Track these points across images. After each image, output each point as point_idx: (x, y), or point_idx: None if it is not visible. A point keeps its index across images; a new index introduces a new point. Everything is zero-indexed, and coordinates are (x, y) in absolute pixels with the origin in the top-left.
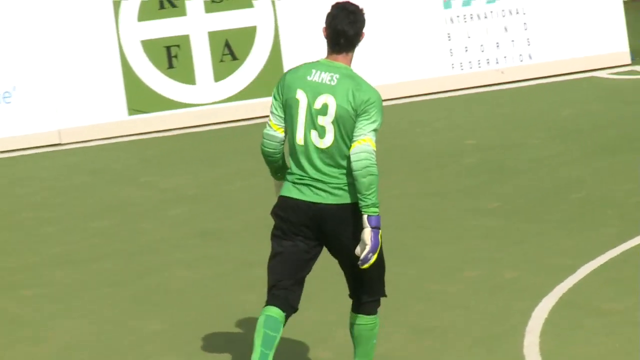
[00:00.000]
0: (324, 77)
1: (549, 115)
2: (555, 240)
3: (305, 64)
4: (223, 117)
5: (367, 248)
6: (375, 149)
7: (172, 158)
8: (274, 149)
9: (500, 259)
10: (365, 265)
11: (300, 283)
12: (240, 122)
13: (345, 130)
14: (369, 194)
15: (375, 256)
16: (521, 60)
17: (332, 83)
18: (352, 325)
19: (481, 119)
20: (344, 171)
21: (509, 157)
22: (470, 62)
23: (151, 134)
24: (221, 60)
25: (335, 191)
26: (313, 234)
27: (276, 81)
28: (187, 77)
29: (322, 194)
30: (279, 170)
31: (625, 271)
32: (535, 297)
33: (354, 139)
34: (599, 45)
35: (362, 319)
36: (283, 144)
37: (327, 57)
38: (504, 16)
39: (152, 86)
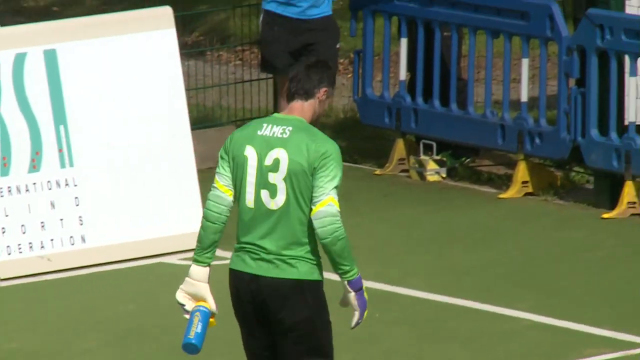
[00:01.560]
0: (276, 130)
1: (105, 312)
2: None
3: (256, 119)
4: None
5: (357, 313)
6: (339, 209)
7: None
8: (219, 213)
9: None
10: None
11: None
12: None
13: (299, 189)
14: (344, 261)
15: (365, 313)
16: (72, 244)
17: (285, 136)
18: None
19: (20, 318)
20: (298, 240)
21: None
22: (8, 246)
23: None
24: None
25: (281, 264)
26: (260, 318)
27: None
28: None
29: (265, 265)
30: (212, 245)
31: None
32: None
33: (315, 201)
34: (168, 225)
35: None
36: (230, 210)
37: (282, 112)
38: (50, 189)
39: None
